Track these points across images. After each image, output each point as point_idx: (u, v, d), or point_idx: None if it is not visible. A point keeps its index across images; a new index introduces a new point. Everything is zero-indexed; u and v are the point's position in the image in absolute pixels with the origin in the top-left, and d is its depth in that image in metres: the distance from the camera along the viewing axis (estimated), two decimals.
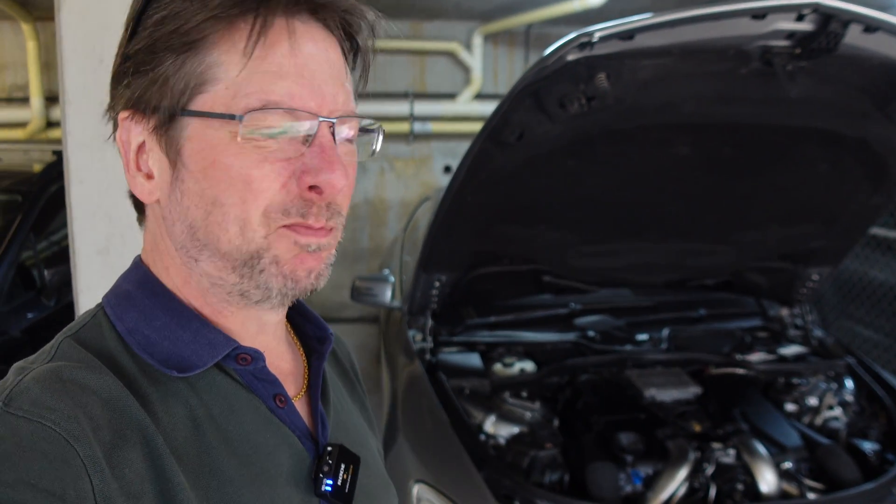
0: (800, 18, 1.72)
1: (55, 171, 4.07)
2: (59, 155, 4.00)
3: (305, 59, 0.69)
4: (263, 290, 0.70)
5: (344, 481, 0.77)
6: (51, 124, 6.10)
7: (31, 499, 0.54)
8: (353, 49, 0.77)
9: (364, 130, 0.77)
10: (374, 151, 0.79)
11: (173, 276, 0.74)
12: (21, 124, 6.19)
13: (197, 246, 0.71)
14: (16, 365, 0.67)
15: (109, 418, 0.62)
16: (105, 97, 2.10)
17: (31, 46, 6.01)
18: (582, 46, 1.70)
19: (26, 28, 5.95)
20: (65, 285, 3.61)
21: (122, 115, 0.71)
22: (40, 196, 4.03)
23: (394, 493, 0.96)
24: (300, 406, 0.81)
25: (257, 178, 0.67)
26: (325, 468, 0.77)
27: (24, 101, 6.27)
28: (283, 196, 0.68)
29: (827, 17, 1.71)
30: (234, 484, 0.69)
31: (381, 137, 0.79)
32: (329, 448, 0.79)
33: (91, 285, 2.18)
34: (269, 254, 0.69)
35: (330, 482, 0.76)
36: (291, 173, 0.68)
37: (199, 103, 0.68)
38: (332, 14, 0.72)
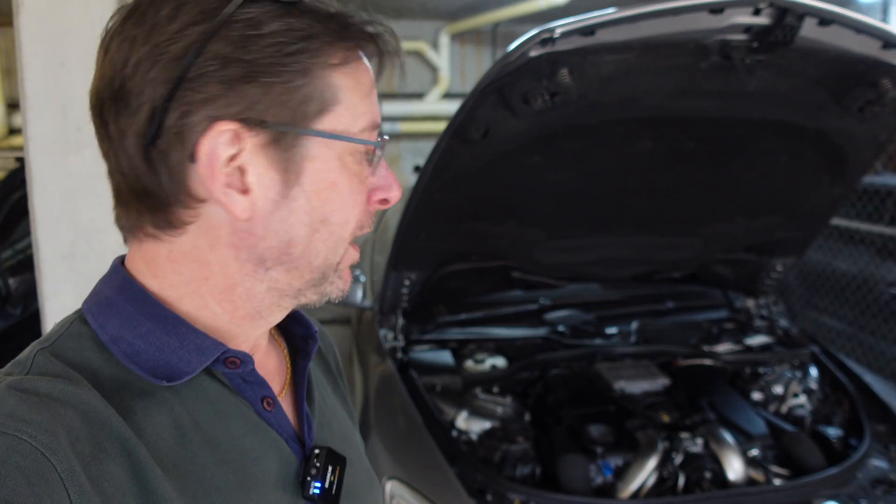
0: (756, 12, 1.75)
1: (18, 177, 4.01)
2: (21, 162, 3.94)
3: (372, 87, 0.74)
4: (321, 296, 0.74)
5: (331, 483, 0.77)
6: (13, 131, 6.02)
7: None
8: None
9: None
10: None
11: (153, 279, 0.71)
12: None
13: (284, 259, 0.71)
14: None
15: (89, 431, 0.60)
16: (66, 101, 2.07)
17: None
18: (544, 42, 1.71)
19: None
20: (30, 293, 3.56)
21: (226, 125, 0.65)
22: (3, 204, 3.96)
23: (378, 486, 0.96)
24: (285, 404, 0.80)
25: (359, 200, 0.72)
26: (313, 471, 0.76)
27: None
28: (363, 213, 0.74)
29: (783, 11, 1.74)
30: (221, 492, 0.68)
31: None
32: (317, 451, 0.78)
33: (56, 291, 2.16)
34: (341, 266, 0.74)
35: (318, 485, 0.76)
36: (367, 193, 0.74)
37: (325, 123, 0.69)
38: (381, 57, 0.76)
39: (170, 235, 0.69)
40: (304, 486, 0.76)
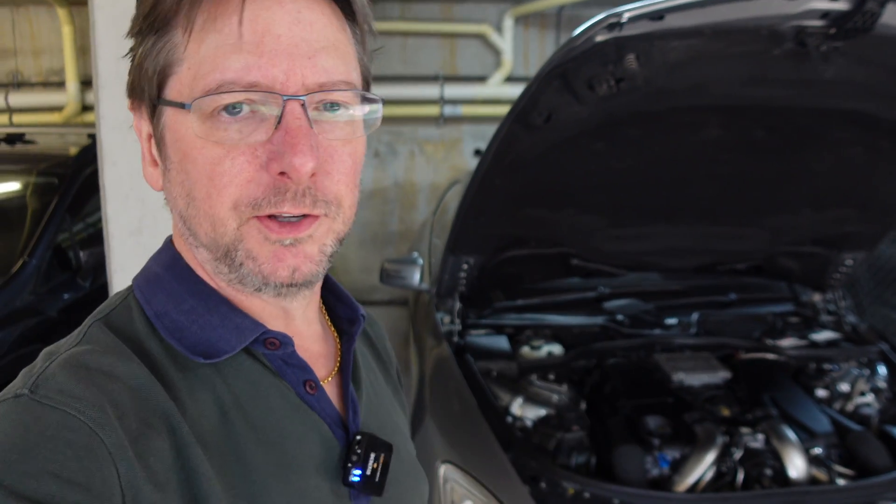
0: None
1: (90, 154, 4.12)
2: (94, 138, 4.06)
3: (269, 24, 0.63)
4: (250, 281, 0.68)
5: (374, 470, 0.76)
6: (86, 108, 6.19)
7: (56, 490, 0.53)
8: (349, 7, 0.71)
9: (368, 100, 0.71)
10: (375, 123, 0.73)
11: (200, 262, 0.73)
12: (58, 108, 6.29)
13: (191, 235, 0.70)
14: (45, 350, 0.66)
15: (135, 406, 0.61)
16: None
17: (66, 31, 6.10)
18: (611, 27, 1.68)
19: (61, 13, 6.03)
20: (100, 266, 3.68)
21: (127, 104, 0.72)
22: (76, 178, 4.09)
23: (424, 478, 0.93)
24: (330, 389, 0.79)
25: (219, 174, 0.64)
26: (354, 458, 0.75)
27: (60, 85, 6.37)
28: (251, 190, 0.64)
29: None
30: (260, 472, 0.67)
31: (380, 108, 0.73)
32: (359, 437, 0.77)
33: (124, 266, 2.23)
34: (242, 246, 0.66)
35: (358, 472, 0.74)
36: (259, 165, 0.64)
37: (168, 89, 0.66)
38: None
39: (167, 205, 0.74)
40: (344, 471, 0.74)
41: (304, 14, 0.65)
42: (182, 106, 0.64)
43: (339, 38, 0.69)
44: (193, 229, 0.68)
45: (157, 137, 0.69)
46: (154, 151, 0.71)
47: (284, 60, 0.63)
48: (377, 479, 0.76)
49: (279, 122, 0.63)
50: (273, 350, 0.72)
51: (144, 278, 0.74)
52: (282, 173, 0.63)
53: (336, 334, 0.86)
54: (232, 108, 0.63)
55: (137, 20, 0.66)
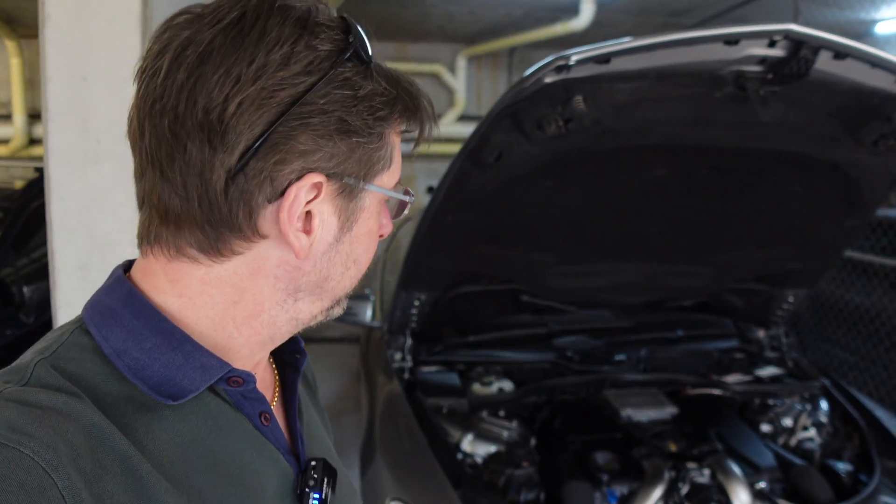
0: (772, 44, 1.76)
1: (37, 187, 4.06)
2: (41, 171, 3.99)
3: None
4: (326, 318, 0.79)
5: (327, 494, 0.78)
6: (33, 141, 6.09)
7: None
8: None
9: None
10: None
11: (177, 298, 0.71)
12: (4, 141, 6.17)
13: (315, 291, 0.75)
14: None
15: (90, 447, 0.60)
16: (87, 114, 2.10)
17: (14, 63, 6.02)
18: (559, 69, 1.73)
19: (10, 45, 5.95)
20: (44, 302, 3.59)
21: (316, 176, 0.68)
22: (21, 212, 4.01)
23: (359, 501, 0.97)
24: (277, 419, 0.81)
25: (377, 240, 0.79)
26: (311, 482, 0.78)
27: (7, 118, 6.26)
28: None
29: (798, 44, 1.75)
30: None
31: None
32: (313, 463, 0.80)
33: (70, 301, 2.18)
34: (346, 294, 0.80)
35: (317, 496, 0.77)
36: None
37: (383, 180, 0.75)
38: None
39: (211, 260, 0.69)
40: (303, 497, 0.77)
41: None
42: (405, 195, 0.80)
43: None
44: (338, 287, 0.76)
45: (342, 213, 0.72)
46: (316, 223, 0.71)
47: None
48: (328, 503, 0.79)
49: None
50: (236, 387, 0.73)
51: (98, 312, 0.70)
52: (379, 235, 0.80)
53: (272, 363, 0.88)
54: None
55: (376, 112, 0.71)
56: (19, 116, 6.05)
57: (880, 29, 5.53)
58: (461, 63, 6.53)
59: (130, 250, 1.75)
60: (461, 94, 6.55)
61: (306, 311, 0.76)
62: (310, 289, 0.74)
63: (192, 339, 0.70)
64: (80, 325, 0.70)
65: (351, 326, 3.88)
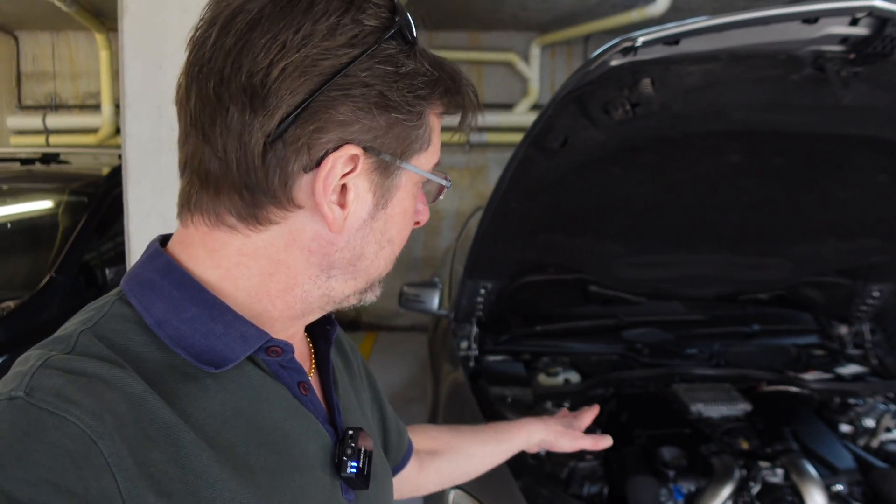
0: (854, 22, 1.66)
1: (120, 174, 4.21)
2: None
3: None
4: (359, 302, 0.80)
5: (364, 463, 0.81)
6: (120, 130, 6.33)
7: (53, 499, 0.53)
8: None
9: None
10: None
11: (215, 269, 0.72)
12: (93, 130, 6.44)
13: (348, 269, 0.76)
14: (28, 353, 0.64)
15: (134, 416, 0.61)
16: (161, 101, 2.17)
17: (103, 56, 6.26)
18: (625, 51, 1.67)
19: (99, 38, 6.19)
20: None
21: (353, 148, 0.68)
22: (105, 198, 4.17)
23: (390, 472, 1.00)
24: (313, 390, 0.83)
25: (412, 223, 0.81)
26: (349, 451, 0.80)
27: (97, 108, 6.52)
28: None
29: (883, 21, 1.64)
30: (266, 473, 0.69)
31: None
32: (350, 431, 0.82)
33: None
34: (383, 277, 0.81)
35: (354, 464, 0.79)
36: None
37: (419, 160, 0.76)
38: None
39: (249, 230, 0.70)
40: (341, 465, 0.79)
41: None
42: (444, 179, 0.82)
43: None
44: (372, 267, 0.77)
45: (379, 189, 0.73)
46: (351, 197, 0.71)
47: None
48: (366, 473, 0.81)
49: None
50: (274, 357, 0.75)
51: (138, 285, 0.72)
52: (417, 223, 0.83)
53: (306, 335, 0.90)
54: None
55: (418, 91, 0.72)
56: (107, 106, 6.29)
57: None
58: (535, 52, 6.46)
59: None
60: (535, 83, 6.48)
61: (339, 290, 0.77)
62: (343, 266, 0.75)
63: (232, 309, 0.72)
64: (120, 296, 0.72)
65: (421, 315, 3.90)
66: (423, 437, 1.27)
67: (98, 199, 4.14)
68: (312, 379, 0.85)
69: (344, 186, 0.70)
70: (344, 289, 0.77)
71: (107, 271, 3.92)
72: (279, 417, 0.74)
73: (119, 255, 4.05)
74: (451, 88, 0.75)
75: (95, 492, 0.55)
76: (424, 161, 0.77)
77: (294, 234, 0.71)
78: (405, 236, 0.80)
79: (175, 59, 2.16)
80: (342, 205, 0.71)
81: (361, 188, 0.71)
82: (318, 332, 0.89)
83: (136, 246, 2.25)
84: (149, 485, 0.59)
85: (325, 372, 0.87)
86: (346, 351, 1.04)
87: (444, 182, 0.82)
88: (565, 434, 1.38)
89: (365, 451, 0.81)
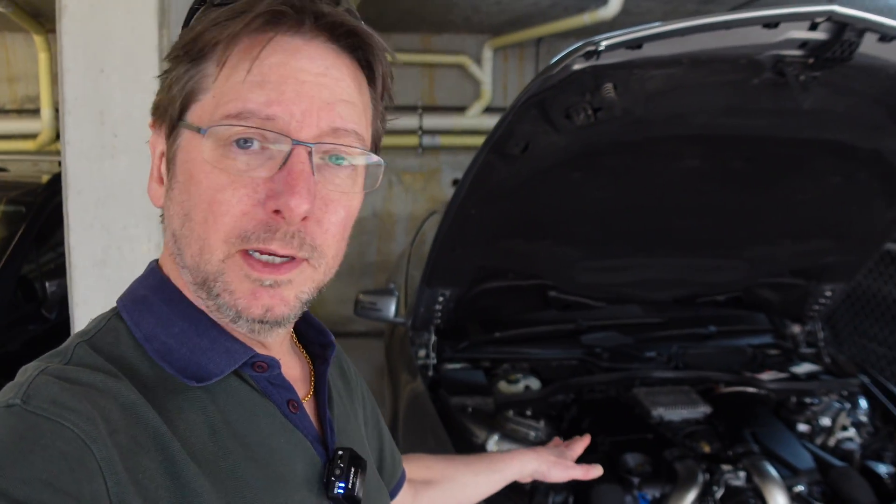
0: (813, 27, 1.66)
1: (60, 182, 4.05)
2: None
3: (296, 71, 0.68)
4: (225, 312, 0.71)
5: (354, 484, 0.79)
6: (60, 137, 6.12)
7: (48, 498, 0.54)
8: (372, 75, 0.77)
9: (372, 160, 0.78)
10: (374, 183, 0.80)
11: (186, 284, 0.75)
12: (32, 136, 6.20)
13: (178, 254, 0.73)
14: (27, 366, 0.66)
15: (126, 424, 0.62)
16: (105, 106, 2.08)
17: (42, 58, 6.05)
18: (588, 55, 1.64)
19: (38, 40, 5.98)
20: (66, 298, 3.59)
21: (150, 121, 0.75)
22: (45, 207, 4.01)
23: (388, 495, 1.00)
24: (308, 409, 0.83)
25: (219, 202, 0.68)
26: (337, 471, 0.79)
27: (35, 112, 6.29)
28: (244, 222, 0.68)
29: (842, 26, 1.65)
30: (252, 488, 0.69)
31: (382, 169, 0.79)
32: (340, 452, 0.81)
33: (87, 299, 2.15)
34: (222, 279, 0.70)
35: (342, 485, 0.78)
36: (257, 201, 0.68)
37: (189, 113, 0.71)
38: (342, 36, 0.72)
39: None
40: (329, 485, 0.78)
41: (332, 71, 0.71)
42: (199, 130, 0.68)
43: (359, 99, 0.75)
44: (182, 249, 0.71)
45: (169, 157, 0.73)
46: (163, 169, 0.74)
47: (304, 101, 0.68)
48: (356, 493, 0.80)
49: (284, 163, 0.68)
50: (260, 372, 0.76)
51: (131, 300, 0.75)
52: (276, 212, 0.67)
53: (308, 358, 0.91)
54: (244, 142, 0.68)
55: (177, 48, 0.71)
56: (47, 111, 6.08)
57: None
58: (487, 54, 6.45)
59: (147, 247, 1.72)
60: (487, 86, 6.47)
61: (192, 284, 0.73)
62: (176, 251, 0.73)
63: (219, 325, 0.74)
64: (115, 312, 0.75)
65: (376, 322, 3.84)
66: (417, 467, 1.26)
67: (37, 209, 3.98)
68: (310, 399, 0.86)
69: (162, 156, 0.74)
70: (189, 278, 0.73)
71: (47, 284, 3.77)
72: (266, 433, 0.74)
73: (60, 268, 3.90)
74: (223, 25, 0.69)
75: (87, 493, 0.57)
76: (202, 112, 0.69)
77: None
78: (206, 213, 0.68)
79: (119, 63, 2.07)
80: (160, 180, 0.75)
81: (165, 158, 0.74)
82: (317, 352, 0.90)
83: (78, 259, 2.14)
84: (136, 490, 0.60)
85: (321, 392, 0.86)
86: (348, 374, 1.04)
87: (195, 129, 0.70)
88: (557, 464, 1.39)
89: (355, 471, 0.80)
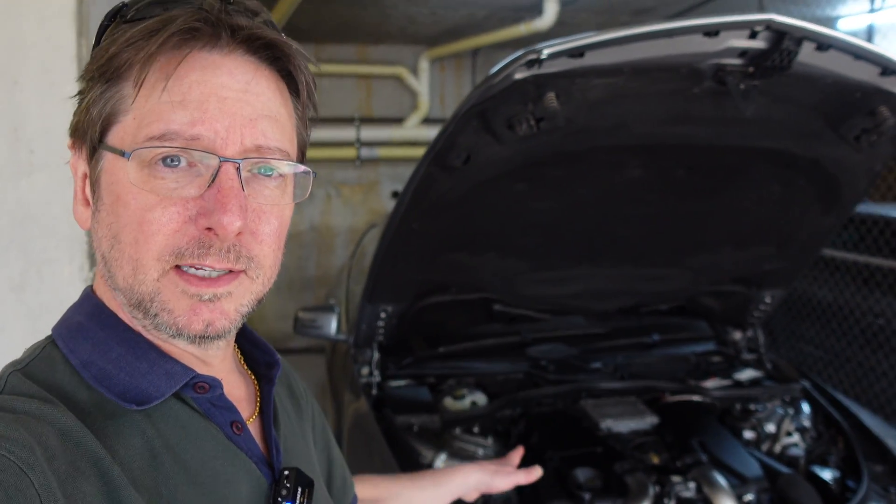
0: (753, 36, 1.66)
1: None
2: None
3: (217, 88, 0.67)
4: (165, 329, 0.70)
5: (301, 503, 0.79)
6: None
7: None
8: (294, 85, 0.76)
9: (300, 170, 0.76)
10: (304, 193, 0.78)
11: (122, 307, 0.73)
12: None
13: (110, 277, 0.71)
14: None
15: (64, 450, 0.61)
16: (18, 121, 1.93)
17: None
18: (530, 64, 1.61)
19: None
20: None
21: (69, 142, 0.73)
22: None
23: None
24: (253, 430, 0.82)
25: (149, 221, 0.66)
26: (284, 492, 0.78)
27: None
28: (176, 239, 0.67)
29: (780, 35, 1.65)
30: None
31: (311, 178, 0.78)
32: (286, 472, 0.80)
33: (5, 327, 2.00)
34: (159, 298, 0.68)
35: None
36: (188, 218, 0.67)
37: (110, 135, 0.69)
38: (261, 49, 0.71)
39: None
40: None
41: (252, 85, 0.70)
42: (122, 154, 0.67)
43: (281, 111, 0.74)
44: (113, 272, 0.70)
45: (93, 179, 0.71)
46: (87, 191, 0.73)
47: (227, 119, 0.67)
48: None
49: (213, 181, 0.67)
50: (202, 394, 0.74)
51: (66, 328, 0.74)
52: (209, 229, 0.66)
53: (254, 378, 0.89)
54: (170, 160, 0.66)
55: (91, 68, 0.69)
56: None
57: (843, 25, 5.52)
58: (424, 65, 6.42)
59: (69, 269, 1.59)
60: (424, 97, 6.43)
61: (126, 304, 0.72)
62: (106, 273, 0.72)
63: (157, 347, 0.73)
64: (50, 341, 0.74)
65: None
66: (363, 486, 1.26)
67: None
68: (255, 420, 0.84)
69: (85, 177, 0.73)
70: (125, 302, 0.71)
71: None
72: (209, 456, 0.72)
73: None
74: (136, 45, 0.67)
75: None
76: (124, 133, 0.68)
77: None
78: (136, 234, 0.67)
79: (34, 74, 1.95)
80: (87, 202, 0.74)
81: (89, 181, 0.72)
82: (263, 372, 0.89)
83: None
84: None
85: (267, 412, 0.85)
86: (296, 393, 1.02)
87: (118, 152, 0.68)
88: (499, 472, 1.43)
89: (302, 491, 0.79)
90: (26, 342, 0.75)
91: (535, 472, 1.46)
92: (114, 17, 0.71)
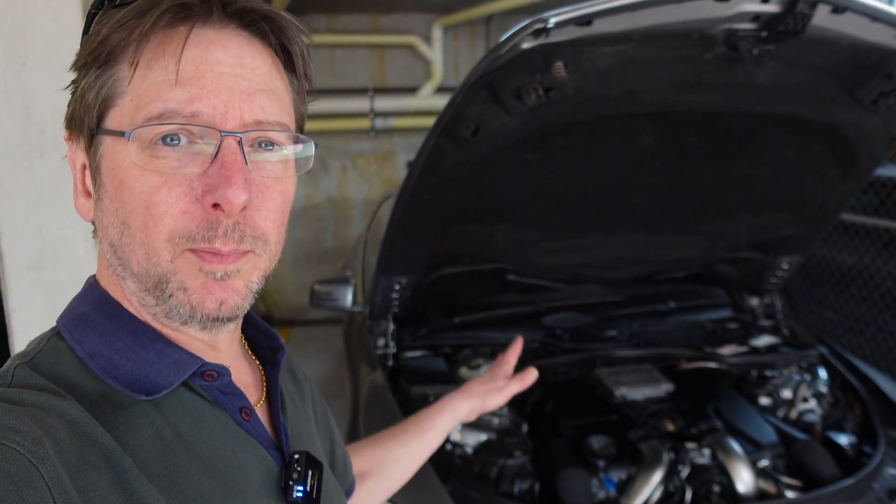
0: (765, 0, 1.63)
1: None
2: None
3: (212, 63, 0.67)
4: (177, 314, 0.69)
5: (312, 487, 0.80)
6: None
7: None
8: (289, 58, 0.76)
9: (300, 142, 0.76)
10: (307, 164, 0.77)
11: (127, 296, 0.74)
12: None
13: (120, 265, 0.71)
14: None
15: (74, 442, 0.61)
16: (29, 102, 1.95)
17: None
18: (537, 33, 1.59)
19: None
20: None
21: (64, 134, 0.74)
22: None
23: (344, 496, 0.99)
24: (261, 415, 0.83)
25: (156, 203, 0.66)
26: (295, 475, 0.79)
27: None
28: (185, 222, 0.66)
29: None
30: (206, 499, 0.68)
31: (312, 149, 0.77)
32: (296, 455, 0.81)
33: (23, 305, 2.04)
34: (175, 278, 0.68)
35: (301, 488, 0.78)
36: (195, 198, 0.66)
37: (108, 120, 0.69)
38: (253, 22, 0.71)
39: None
40: (287, 490, 0.78)
41: (247, 59, 0.70)
42: (122, 134, 0.66)
43: (278, 85, 0.74)
44: (125, 258, 0.69)
45: (93, 168, 0.71)
46: (87, 182, 0.73)
47: (224, 94, 0.67)
48: (315, 496, 0.80)
49: (215, 156, 0.67)
50: (210, 381, 0.74)
51: (71, 319, 0.74)
52: (215, 205, 0.66)
53: (259, 363, 0.90)
54: (171, 139, 0.66)
55: (82, 55, 0.69)
56: None
57: None
58: (437, 33, 6.35)
59: (84, 247, 1.61)
60: (438, 66, 6.38)
61: (137, 292, 0.72)
62: (115, 262, 0.72)
63: (164, 336, 0.73)
64: (55, 332, 0.73)
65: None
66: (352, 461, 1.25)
67: None
68: (262, 405, 0.85)
69: (84, 168, 0.72)
70: (136, 290, 0.71)
71: None
72: (219, 443, 0.73)
73: None
74: (130, 26, 0.67)
75: None
76: (122, 116, 0.68)
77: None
78: (144, 217, 0.67)
79: (43, 55, 1.95)
80: (88, 193, 0.74)
81: (89, 170, 0.72)
82: (268, 357, 0.89)
83: (12, 264, 2.02)
84: None
85: (274, 397, 0.85)
86: (298, 377, 1.03)
87: (117, 133, 0.68)
88: (489, 391, 1.38)
89: (312, 473, 0.80)
90: (44, 320, 0.79)
91: (531, 375, 1.42)
92: (102, 4, 0.71)
